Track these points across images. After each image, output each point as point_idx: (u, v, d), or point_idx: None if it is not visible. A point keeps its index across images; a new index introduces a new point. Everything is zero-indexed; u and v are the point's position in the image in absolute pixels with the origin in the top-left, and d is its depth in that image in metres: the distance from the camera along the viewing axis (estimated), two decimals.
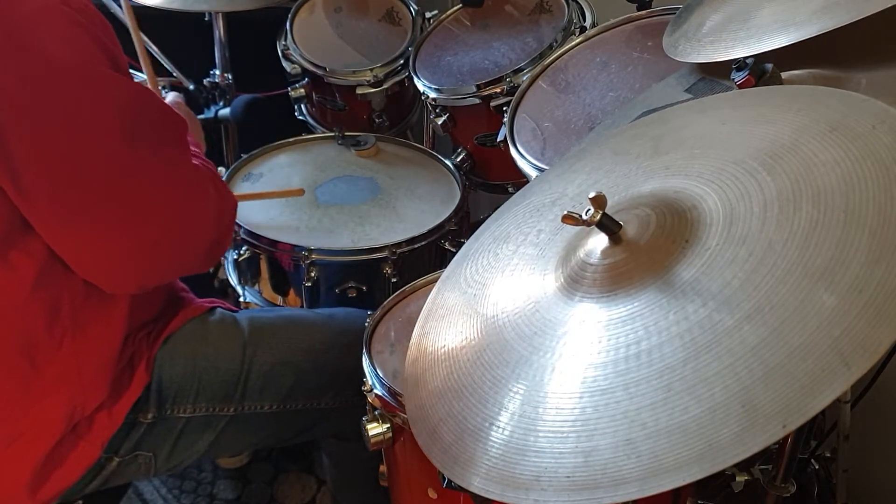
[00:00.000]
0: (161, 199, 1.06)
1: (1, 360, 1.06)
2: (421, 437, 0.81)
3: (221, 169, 1.58)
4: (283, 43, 1.80)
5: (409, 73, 1.64)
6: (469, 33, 1.65)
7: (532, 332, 0.78)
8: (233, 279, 1.60)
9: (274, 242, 1.45)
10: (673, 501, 1.03)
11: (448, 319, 0.89)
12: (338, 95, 1.79)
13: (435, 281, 0.99)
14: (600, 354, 0.71)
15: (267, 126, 1.82)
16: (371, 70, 1.71)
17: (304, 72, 1.77)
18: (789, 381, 0.59)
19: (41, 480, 1.11)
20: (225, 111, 1.81)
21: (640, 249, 0.75)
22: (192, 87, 1.81)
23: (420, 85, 1.59)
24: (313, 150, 1.72)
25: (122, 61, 1.04)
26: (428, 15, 1.77)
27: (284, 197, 1.55)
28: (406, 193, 1.58)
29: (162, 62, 1.75)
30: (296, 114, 1.91)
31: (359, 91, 1.72)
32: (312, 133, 1.81)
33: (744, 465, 1.00)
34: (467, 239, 0.99)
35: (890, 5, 0.83)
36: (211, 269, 1.72)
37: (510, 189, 1.58)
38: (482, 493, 0.71)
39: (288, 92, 1.81)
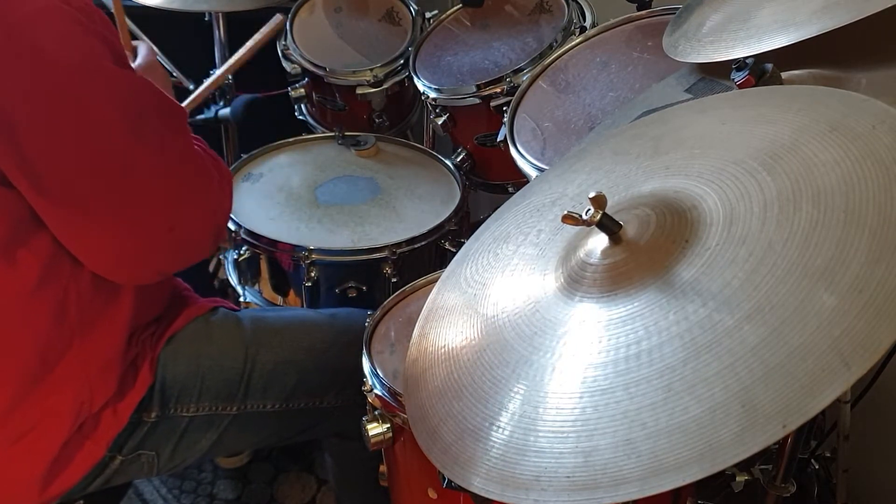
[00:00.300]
0: (172, 186, 1.08)
1: (12, 357, 1.07)
2: (421, 437, 0.81)
3: None
4: (283, 43, 1.80)
5: (409, 73, 1.64)
6: (469, 33, 1.65)
7: (532, 332, 0.78)
8: (233, 279, 1.60)
9: (274, 242, 1.45)
10: (673, 501, 1.03)
11: (448, 319, 0.89)
12: (338, 95, 1.79)
13: (435, 281, 0.99)
14: (600, 354, 0.71)
15: (267, 126, 1.82)
16: (371, 70, 1.71)
17: (304, 72, 1.77)
18: (789, 381, 0.59)
19: (51, 477, 1.12)
20: (225, 111, 1.80)
21: (640, 249, 0.75)
22: (192, 87, 1.81)
23: (420, 85, 1.59)
24: (313, 150, 1.72)
25: (124, 56, 1.06)
26: (428, 15, 1.76)
27: (269, 37, 1.53)
28: (406, 193, 1.58)
29: (162, 62, 1.74)
30: (296, 114, 1.91)
31: (359, 91, 1.72)
32: (312, 133, 1.81)
33: (744, 465, 1.00)
34: (467, 239, 0.99)
35: (890, 5, 0.83)
36: (211, 270, 1.72)
37: (510, 189, 1.58)
38: (482, 493, 0.71)
39: (288, 92, 1.81)
